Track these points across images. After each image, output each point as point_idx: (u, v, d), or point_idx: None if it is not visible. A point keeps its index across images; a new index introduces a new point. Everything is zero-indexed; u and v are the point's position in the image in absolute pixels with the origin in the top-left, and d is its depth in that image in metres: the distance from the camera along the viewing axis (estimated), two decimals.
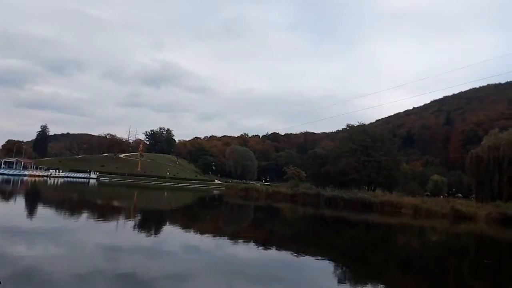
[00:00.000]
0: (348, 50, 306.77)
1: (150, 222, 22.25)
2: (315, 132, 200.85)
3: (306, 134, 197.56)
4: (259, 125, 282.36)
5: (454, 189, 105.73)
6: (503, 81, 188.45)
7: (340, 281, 11.26)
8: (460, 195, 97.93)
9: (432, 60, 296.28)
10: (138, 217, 24.69)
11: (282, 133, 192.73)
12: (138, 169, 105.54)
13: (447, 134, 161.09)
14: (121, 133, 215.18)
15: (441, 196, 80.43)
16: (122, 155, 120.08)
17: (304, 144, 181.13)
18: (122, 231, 17.28)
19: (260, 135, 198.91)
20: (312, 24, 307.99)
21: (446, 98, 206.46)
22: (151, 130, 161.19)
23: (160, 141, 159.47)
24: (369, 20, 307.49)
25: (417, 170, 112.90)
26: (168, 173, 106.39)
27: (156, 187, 75.45)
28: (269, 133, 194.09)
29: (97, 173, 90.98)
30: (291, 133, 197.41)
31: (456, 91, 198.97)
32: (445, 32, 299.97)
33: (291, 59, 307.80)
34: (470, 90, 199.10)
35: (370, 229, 30.01)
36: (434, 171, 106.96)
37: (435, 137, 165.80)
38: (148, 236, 16.60)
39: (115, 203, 35.33)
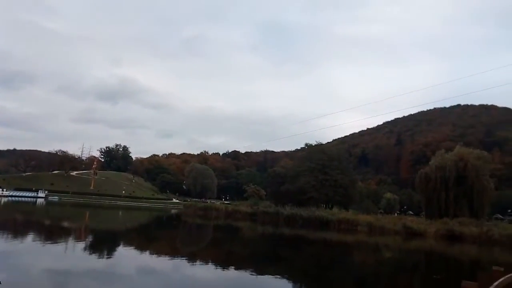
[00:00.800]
0: (307, 72, 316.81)
1: (103, 244, 21.20)
2: (275, 150, 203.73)
3: (266, 153, 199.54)
4: (220, 143, 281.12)
5: (405, 207, 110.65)
6: (447, 105, 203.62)
7: None
8: (411, 212, 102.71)
9: (384, 84, 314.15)
10: (90, 239, 23.44)
11: (243, 151, 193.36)
12: (92, 188, 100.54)
13: (398, 154, 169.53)
14: (74, 149, 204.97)
15: (395, 213, 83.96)
16: (74, 173, 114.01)
17: (264, 162, 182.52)
18: (72, 254, 16.31)
19: (221, 153, 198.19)
20: (273, 46, 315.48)
21: (397, 120, 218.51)
22: (106, 147, 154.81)
23: (115, 158, 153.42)
24: (327, 44, 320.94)
25: (371, 188, 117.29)
26: (123, 192, 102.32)
27: (110, 206, 72.19)
28: (230, 151, 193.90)
29: (46, 192, 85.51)
30: (251, 151, 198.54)
31: (406, 114, 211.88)
32: (396, 59, 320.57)
33: (251, 79, 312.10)
34: (418, 113, 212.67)
35: (328, 247, 30.55)
36: (387, 189, 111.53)
37: (388, 157, 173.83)
38: (100, 258, 15.80)
39: (65, 224, 33.30)
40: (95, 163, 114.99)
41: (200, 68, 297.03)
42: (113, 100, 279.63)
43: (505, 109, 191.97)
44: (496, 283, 5.11)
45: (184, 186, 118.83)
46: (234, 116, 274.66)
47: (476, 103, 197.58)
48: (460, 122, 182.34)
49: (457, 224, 43.39)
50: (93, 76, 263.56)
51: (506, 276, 6.07)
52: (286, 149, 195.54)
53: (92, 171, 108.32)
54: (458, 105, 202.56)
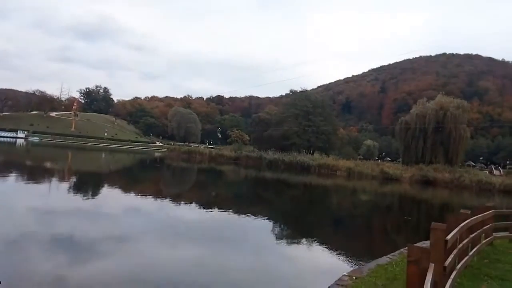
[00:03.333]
0: (294, 18, 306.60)
1: (87, 185, 21.41)
2: (260, 96, 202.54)
3: (251, 98, 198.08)
4: (204, 87, 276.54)
5: (384, 153, 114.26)
6: (433, 54, 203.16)
7: (279, 238, 11.98)
8: (388, 158, 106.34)
9: (372, 31, 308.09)
10: (74, 179, 23.60)
11: (227, 96, 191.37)
12: (72, 129, 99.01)
13: (382, 101, 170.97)
14: (52, 90, 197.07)
15: (375, 160, 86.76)
16: (53, 114, 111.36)
17: (248, 108, 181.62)
18: (56, 193, 16.49)
19: (204, 98, 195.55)
20: None
21: (382, 68, 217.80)
22: (86, 88, 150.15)
23: (96, 100, 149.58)
24: None
25: (352, 135, 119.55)
26: (105, 134, 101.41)
27: (92, 148, 71.88)
28: (214, 95, 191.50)
29: (25, 132, 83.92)
30: (236, 97, 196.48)
31: (391, 61, 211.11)
32: (385, 6, 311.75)
33: (237, 23, 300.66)
34: (404, 61, 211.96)
35: (308, 190, 31.75)
36: (367, 137, 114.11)
37: (371, 105, 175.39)
38: (85, 198, 16.04)
39: (47, 164, 33.22)
40: (75, 104, 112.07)
41: (183, 9, 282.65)
42: (93, 39, 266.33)
43: (489, 58, 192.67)
44: (462, 224, 5.49)
45: (218, 134, 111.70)
46: (219, 60, 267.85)
47: (462, 52, 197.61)
48: (444, 71, 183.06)
49: (431, 170, 45.42)
50: (70, 11, 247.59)
51: (472, 218, 6.51)
52: (271, 95, 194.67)
53: (72, 112, 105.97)
54: (444, 54, 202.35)
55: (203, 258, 8.44)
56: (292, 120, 69.57)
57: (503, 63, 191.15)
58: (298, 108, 70.17)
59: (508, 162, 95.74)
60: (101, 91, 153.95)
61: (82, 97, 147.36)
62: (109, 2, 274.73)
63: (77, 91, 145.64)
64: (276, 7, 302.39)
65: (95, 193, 18.06)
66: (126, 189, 20.59)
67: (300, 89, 78.76)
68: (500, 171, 67.50)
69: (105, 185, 22.29)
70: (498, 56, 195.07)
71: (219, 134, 64.97)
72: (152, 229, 10.95)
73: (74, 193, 17.18)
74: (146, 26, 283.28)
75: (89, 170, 32.27)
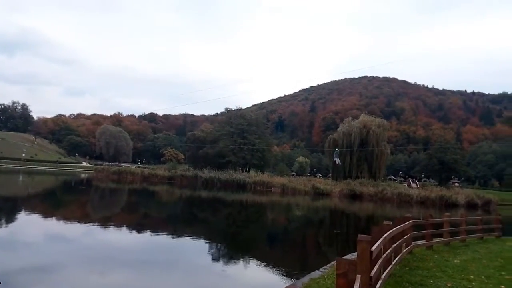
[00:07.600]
0: (229, 37, 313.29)
1: (1, 211, 19.22)
2: (195, 114, 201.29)
3: (186, 116, 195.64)
4: (136, 104, 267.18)
5: (315, 169, 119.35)
6: (356, 76, 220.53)
7: (215, 259, 11.83)
8: (319, 174, 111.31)
9: (302, 52, 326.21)
10: None
11: (161, 114, 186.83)
12: None
13: (312, 120, 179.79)
14: None
15: (306, 176, 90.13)
16: None
17: (183, 126, 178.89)
18: None
19: (136, 115, 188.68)
20: (194, 8, 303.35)
21: (311, 88, 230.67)
22: (1, 105, 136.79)
23: (13, 117, 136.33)
24: (249, 8, 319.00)
25: (285, 152, 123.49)
26: (23, 155, 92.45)
27: (8, 170, 64.86)
28: (146, 113, 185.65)
29: None
30: (170, 114, 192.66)
31: (320, 82, 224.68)
32: (312, 31, 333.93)
33: (172, 41, 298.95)
34: (331, 82, 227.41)
35: (244, 207, 31.87)
36: (299, 153, 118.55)
37: (302, 123, 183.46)
38: None
39: None
40: None
41: (115, 24, 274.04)
42: (10, 51, 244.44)
43: (404, 82, 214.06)
44: (385, 235, 5.96)
45: (336, 159, 69.78)
46: (152, 77, 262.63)
47: (381, 75, 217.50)
48: (366, 93, 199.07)
49: (358, 185, 48.54)
50: None
51: (393, 229, 7.11)
52: (206, 113, 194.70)
53: None
54: (365, 77, 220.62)
55: (137, 284, 8.03)
56: (228, 138, 69.99)
57: (415, 86, 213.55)
58: (234, 126, 70.91)
59: (423, 175, 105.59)
60: (19, 107, 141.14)
61: None
62: (30, 13, 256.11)
63: None
64: (210, 27, 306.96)
65: (10, 220, 16.27)
66: (47, 214, 18.85)
67: (235, 108, 79.89)
68: (416, 184, 74.11)
69: (23, 210, 20.19)
70: (411, 79, 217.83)
71: (337, 160, 43.63)
72: (79, 256, 10.16)
73: None
74: (74, 39, 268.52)
75: (3, 194, 28.98)
